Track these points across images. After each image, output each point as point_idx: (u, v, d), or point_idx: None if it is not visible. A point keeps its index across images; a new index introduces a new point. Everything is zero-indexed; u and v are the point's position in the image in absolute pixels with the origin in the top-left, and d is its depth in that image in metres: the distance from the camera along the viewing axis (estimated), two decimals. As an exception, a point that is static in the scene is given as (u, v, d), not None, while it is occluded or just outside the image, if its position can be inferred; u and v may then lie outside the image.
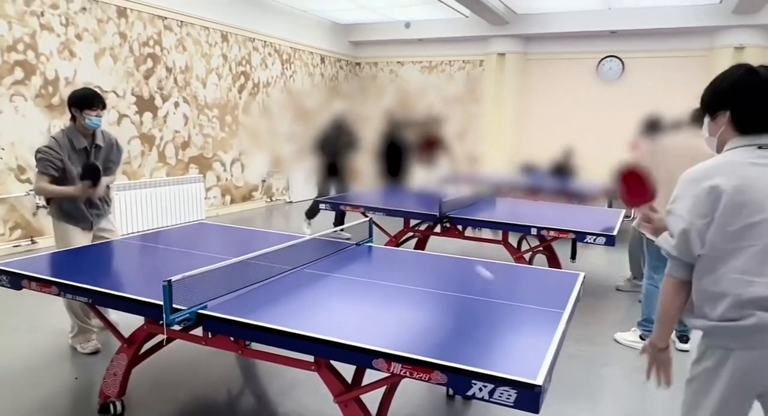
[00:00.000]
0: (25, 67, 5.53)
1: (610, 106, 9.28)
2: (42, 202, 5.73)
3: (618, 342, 3.64)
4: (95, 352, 3.27)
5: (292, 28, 9.37)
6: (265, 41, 8.81)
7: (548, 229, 4.13)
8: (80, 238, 3.28)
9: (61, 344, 3.39)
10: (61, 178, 3.19)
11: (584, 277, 2.62)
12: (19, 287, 2.47)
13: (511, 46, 9.68)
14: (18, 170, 5.54)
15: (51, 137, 3.24)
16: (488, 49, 9.87)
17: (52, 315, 3.81)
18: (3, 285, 2.52)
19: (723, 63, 8.41)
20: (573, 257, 4.93)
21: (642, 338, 3.54)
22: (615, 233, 3.91)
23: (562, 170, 7.62)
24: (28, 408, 2.64)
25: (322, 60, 10.36)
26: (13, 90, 5.45)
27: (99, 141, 3.31)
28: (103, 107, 3.24)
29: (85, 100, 3.16)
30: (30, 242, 5.64)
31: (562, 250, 4.95)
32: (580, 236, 3.99)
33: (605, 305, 4.46)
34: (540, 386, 1.50)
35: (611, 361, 3.40)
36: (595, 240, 3.90)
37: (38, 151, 3.17)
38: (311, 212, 6.69)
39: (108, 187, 3.45)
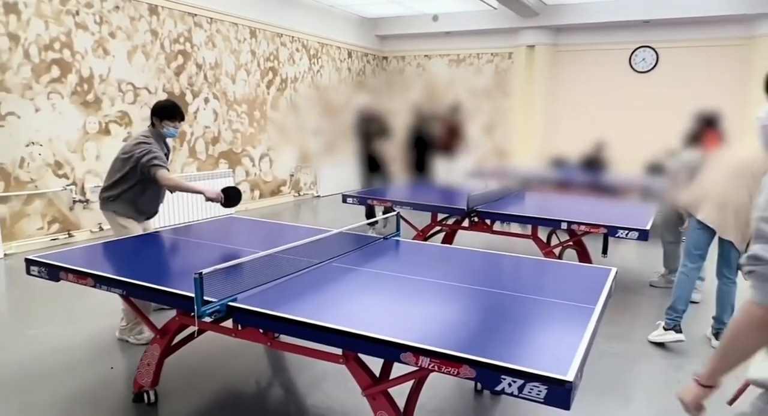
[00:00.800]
0: (61, 65, 5.68)
1: (644, 98, 9.06)
2: (78, 196, 5.90)
3: (652, 341, 3.53)
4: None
5: (320, 23, 9.40)
6: (292, 37, 8.86)
7: (579, 223, 4.06)
8: (136, 229, 3.43)
9: (98, 334, 3.49)
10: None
11: (616, 272, 2.57)
12: (57, 279, 2.55)
13: (540, 37, 9.52)
14: (55, 165, 5.71)
15: (147, 138, 3.34)
16: (517, 42, 9.73)
17: (89, 306, 3.92)
18: (42, 277, 2.60)
19: (763, 53, 8.12)
20: (604, 252, 4.84)
21: (665, 328, 3.46)
22: (648, 227, 3.82)
23: (593, 163, 7.48)
24: (67, 396, 2.73)
25: (349, 54, 10.37)
26: (50, 88, 5.60)
27: (170, 146, 3.56)
28: (183, 119, 3.44)
29: (167, 112, 3.38)
30: (67, 236, 5.81)
31: (593, 245, 4.86)
32: (611, 231, 3.91)
33: (638, 302, 4.37)
34: (571, 382, 1.47)
35: (644, 358, 3.33)
36: (627, 235, 3.82)
37: (145, 145, 3.27)
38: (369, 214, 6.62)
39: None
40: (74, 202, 5.87)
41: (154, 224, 3.81)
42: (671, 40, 8.89)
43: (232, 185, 3.44)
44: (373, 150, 6.48)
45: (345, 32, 10.10)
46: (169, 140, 3.57)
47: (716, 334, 3.46)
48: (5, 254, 5.23)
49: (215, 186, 7.25)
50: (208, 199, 3.44)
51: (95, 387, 2.84)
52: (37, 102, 5.50)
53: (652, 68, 9.09)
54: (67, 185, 5.82)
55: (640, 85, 9.14)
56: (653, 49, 9.06)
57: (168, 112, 3.38)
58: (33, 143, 5.50)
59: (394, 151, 6.71)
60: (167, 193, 3.60)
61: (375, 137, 6.46)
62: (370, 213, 6.49)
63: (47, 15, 5.51)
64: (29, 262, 2.63)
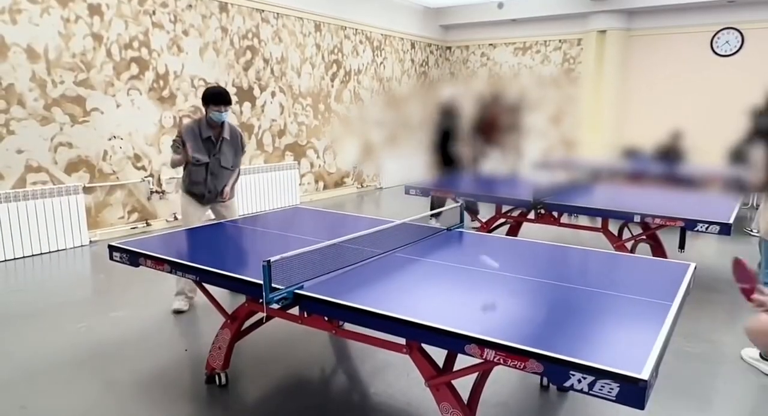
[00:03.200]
0: (140, 63, 5.99)
1: (727, 83, 8.46)
2: (155, 188, 6.22)
3: (744, 360, 3.14)
4: (178, 311, 3.77)
5: (383, 15, 9.40)
6: (356, 29, 8.91)
7: (653, 216, 3.86)
8: (192, 209, 3.79)
9: (173, 318, 3.67)
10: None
11: (695, 268, 2.42)
12: (137, 265, 2.70)
13: (612, 22, 9.09)
14: (134, 158, 6.04)
15: (187, 124, 3.82)
16: (587, 27, 9.34)
17: (164, 291, 4.13)
18: (123, 262, 2.76)
19: None
20: (681, 246, 4.58)
21: (762, 357, 3.05)
22: (731, 220, 3.58)
23: (670, 153, 7.08)
24: (144, 376, 2.89)
25: (413, 45, 10.32)
26: (130, 85, 5.92)
27: (225, 134, 3.75)
28: (227, 104, 3.65)
29: (212, 98, 3.63)
30: (145, 225, 6.15)
31: (669, 239, 4.62)
32: (689, 224, 3.70)
33: (719, 300, 4.11)
34: (646, 381, 1.40)
35: (725, 360, 3.13)
36: (707, 229, 3.60)
37: (180, 128, 3.80)
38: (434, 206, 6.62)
39: (232, 185, 3.95)
40: (151, 193, 6.20)
41: (239, 211, 4.15)
42: (758, 20, 8.24)
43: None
44: (449, 143, 6.40)
45: (408, 23, 10.06)
46: (231, 128, 3.80)
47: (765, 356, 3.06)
48: (91, 242, 5.60)
49: (280, 178, 7.43)
50: (183, 161, 3.73)
51: (171, 367, 2.99)
52: (118, 98, 5.83)
53: (737, 51, 8.47)
54: (145, 177, 6.14)
55: (722, 70, 8.55)
56: (738, 30, 8.43)
57: (213, 98, 3.62)
58: (114, 136, 5.84)
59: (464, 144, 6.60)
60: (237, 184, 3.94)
61: (455, 131, 6.35)
62: (433, 206, 6.45)
63: (127, 15, 5.81)
64: (112, 248, 2.81)
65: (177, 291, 3.78)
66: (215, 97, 3.62)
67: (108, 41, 5.68)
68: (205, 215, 3.89)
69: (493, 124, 6.85)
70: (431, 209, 6.42)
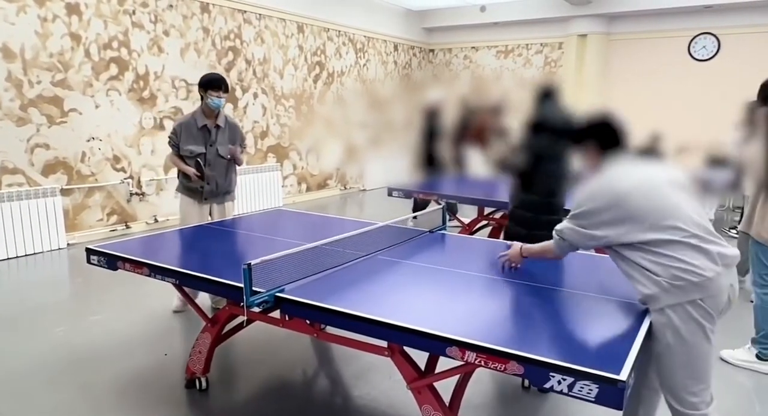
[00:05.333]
0: (119, 63, 5.91)
1: (704, 88, 8.63)
2: (135, 189, 6.14)
3: (726, 361, 3.13)
4: (179, 311, 3.77)
5: (366, 17, 9.40)
6: (339, 31, 8.91)
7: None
8: (192, 209, 3.78)
9: (153, 321, 3.62)
10: (179, 153, 3.73)
11: (673, 269, 2.46)
12: (115, 268, 2.65)
13: (593, 26, 9.21)
14: (114, 159, 5.95)
15: (183, 116, 3.84)
16: (568, 31, 9.45)
17: (145, 294, 4.07)
18: (101, 266, 2.71)
19: (837, 36, 7.58)
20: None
21: (760, 357, 3.04)
22: (710, 220, 3.63)
23: (649, 155, 7.19)
24: (124, 380, 2.85)
25: (396, 48, 10.34)
26: (109, 85, 5.84)
27: (221, 123, 3.74)
28: (226, 90, 3.66)
29: (210, 83, 3.63)
30: (125, 227, 6.06)
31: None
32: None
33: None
34: (624, 381, 1.42)
35: (702, 359, 3.18)
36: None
37: (173, 127, 3.75)
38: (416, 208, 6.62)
39: (234, 174, 3.94)
40: (131, 195, 6.12)
41: (235, 210, 4.11)
42: (734, 26, 8.42)
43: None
44: (433, 145, 6.41)
45: (391, 25, 10.08)
46: (226, 117, 3.79)
47: (759, 356, 3.08)
48: (68, 244, 5.50)
49: (263, 180, 7.38)
50: (197, 176, 3.71)
51: (150, 371, 2.95)
52: (97, 99, 5.74)
53: (713, 56, 8.64)
54: (125, 179, 6.06)
55: (699, 74, 8.72)
56: (715, 35, 8.61)
57: (211, 83, 3.62)
58: (93, 138, 5.75)
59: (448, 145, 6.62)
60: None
61: (440, 133, 6.36)
62: (416, 208, 6.46)
63: (106, 15, 5.73)
64: (89, 251, 2.76)
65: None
66: (213, 82, 3.61)
67: (86, 41, 5.59)
68: (206, 218, 3.81)
69: (476, 127, 6.88)
70: (414, 210, 6.44)
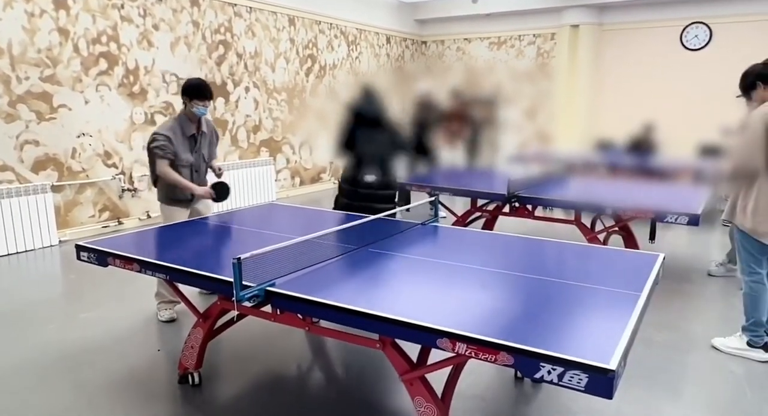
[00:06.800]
0: (109, 58, 5.85)
1: (695, 77, 8.65)
2: (127, 185, 6.10)
3: (718, 349, 3.14)
4: (171, 320, 3.55)
5: (358, 9, 9.35)
6: (331, 23, 8.85)
7: (624, 208, 3.92)
8: (179, 215, 3.59)
9: (145, 318, 3.61)
10: (172, 163, 3.48)
11: (664, 258, 2.47)
12: (105, 265, 2.64)
13: (585, 17, 9.20)
14: (105, 155, 5.91)
15: (165, 125, 3.52)
16: (560, 22, 9.43)
17: (137, 290, 4.06)
18: (91, 262, 2.70)
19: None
20: (652, 237, 4.67)
21: (751, 344, 3.05)
22: (699, 211, 3.65)
23: (641, 146, 7.20)
24: (115, 377, 2.84)
25: (388, 40, 10.29)
26: (99, 80, 5.79)
27: (204, 128, 3.62)
28: (210, 97, 3.50)
29: (195, 91, 3.44)
30: (117, 223, 6.03)
31: (641, 231, 4.70)
32: (659, 216, 3.76)
33: (689, 290, 4.20)
34: (613, 370, 1.42)
35: (694, 348, 3.20)
36: (676, 220, 3.66)
37: (153, 135, 3.45)
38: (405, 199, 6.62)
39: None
40: (123, 191, 6.08)
41: (212, 208, 4.00)
42: (726, 15, 8.42)
43: (221, 181, 3.62)
44: (424, 137, 6.40)
45: (383, 17, 10.02)
46: (206, 121, 3.65)
47: (751, 343, 3.09)
48: (60, 241, 5.47)
49: (255, 175, 7.36)
50: (199, 196, 3.57)
51: (143, 368, 2.94)
52: (86, 94, 5.69)
53: (705, 46, 8.65)
54: (116, 175, 6.02)
55: (691, 63, 8.73)
56: (706, 25, 8.61)
57: (196, 91, 3.44)
58: (84, 134, 5.71)
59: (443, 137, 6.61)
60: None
61: (431, 125, 6.35)
62: (405, 199, 6.47)
63: (94, 9, 5.67)
64: (79, 248, 2.74)
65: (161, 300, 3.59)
66: (198, 89, 3.44)
67: (75, 36, 5.54)
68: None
69: (464, 118, 6.88)
70: (399, 200, 6.43)
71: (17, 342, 3.27)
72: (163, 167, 3.43)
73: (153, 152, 3.42)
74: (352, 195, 3.71)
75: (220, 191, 3.56)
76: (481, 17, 10.19)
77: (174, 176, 3.45)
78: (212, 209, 3.92)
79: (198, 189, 3.51)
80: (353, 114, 3.72)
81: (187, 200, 3.62)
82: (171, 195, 3.57)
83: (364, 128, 3.66)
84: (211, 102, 3.58)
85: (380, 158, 3.73)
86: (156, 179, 3.56)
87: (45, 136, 5.39)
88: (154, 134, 3.45)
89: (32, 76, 5.25)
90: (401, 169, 4.06)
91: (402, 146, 3.91)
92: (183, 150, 3.50)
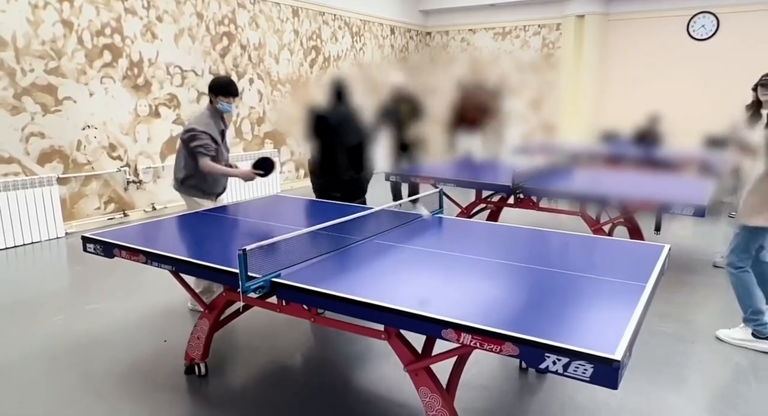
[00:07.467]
0: (113, 50, 5.85)
1: (702, 67, 8.58)
2: (132, 177, 6.12)
3: (722, 340, 3.14)
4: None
5: (362, 0, 9.30)
6: (335, 14, 8.81)
7: (629, 199, 3.90)
8: (207, 206, 3.61)
9: (152, 309, 3.64)
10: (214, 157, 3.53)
11: (669, 250, 2.46)
12: (111, 256, 2.65)
13: (590, 6, 9.12)
14: (110, 147, 5.93)
15: (201, 120, 3.51)
16: (566, 12, 9.36)
17: (143, 282, 4.08)
18: (97, 254, 2.71)
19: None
20: (657, 229, 4.65)
21: (756, 335, 3.04)
22: (706, 203, 3.63)
23: (647, 137, 7.16)
24: (124, 367, 2.86)
25: (392, 31, 10.24)
26: (103, 73, 5.79)
27: (227, 123, 3.69)
28: (236, 95, 3.55)
29: (222, 89, 3.51)
30: (122, 215, 6.06)
31: (646, 222, 4.68)
32: (665, 207, 3.75)
33: (694, 281, 4.19)
34: (618, 361, 1.42)
35: (699, 338, 3.20)
36: (682, 211, 3.64)
37: (193, 132, 3.42)
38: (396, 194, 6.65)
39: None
40: (128, 183, 6.10)
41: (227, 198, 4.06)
42: (733, 4, 8.33)
43: (264, 156, 3.67)
44: (403, 130, 6.40)
45: (388, 8, 9.97)
46: (226, 115, 3.70)
47: (756, 334, 3.09)
48: (66, 233, 5.50)
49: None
50: (247, 180, 3.62)
51: (149, 358, 2.96)
52: (91, 87, 5.70)
53: (712, 35, 8.57)
54: (121, 167, 6.04)
55: (698, 53, 8.65)
56: (714, 14, 8.53)
57: (224, 89, 3.51)
58: (89, 126, 5.72)
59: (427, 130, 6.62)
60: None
61: (407, 118, 6.35)
62: (396, 191, 6.51)
63: (98, 1, 5.66)
64: (86, 240, 2.75)
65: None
66: (226, 87, 3.50)
67: (79, 28, 5.53)
68: None
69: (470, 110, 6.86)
70: (410, 194, 6.44)
71: (25, 333, 3.30)
72: (208, 162, 3.46)
73: (196, 150, 3.41)
74: (326, 185, 3.91)
75: (265, 166, 3.60)
76: (485, 7, 10.12)
77: (221, 168, 3.54)
78: (232, 198, 3.97)
79: (243, 173, 3.59)
80: (318, 114, 3.90)
81: (217, 193, 3.71)
82: (205, 188, 3.60)
83: (330, 120, 3.84)
84: (237, 99, 3.65)
85: (349, 149, 3.86)
86: (190, 175, 3.53)
87: (50, 128, 5.41)
88: (194, 130, 3.41)
89: (37, 68, 5.25)
90: (376, 160, 4.15)
91: (365, 137, 3.99)
92: (225, 147, 3.62)
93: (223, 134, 3.63)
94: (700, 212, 3.59)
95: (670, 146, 7.22)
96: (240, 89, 7.30)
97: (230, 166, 3.75)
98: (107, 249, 2.66)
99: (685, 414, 2.44)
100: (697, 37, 8.69)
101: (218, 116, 3.58)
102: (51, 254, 5.03)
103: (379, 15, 9.77)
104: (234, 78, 7.22)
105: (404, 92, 6.42)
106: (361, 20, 9.39)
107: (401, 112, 6.28)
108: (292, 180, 8.39)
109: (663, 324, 3.36)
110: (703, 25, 8.61)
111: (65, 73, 5.47)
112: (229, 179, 3.75)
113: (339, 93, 3.92)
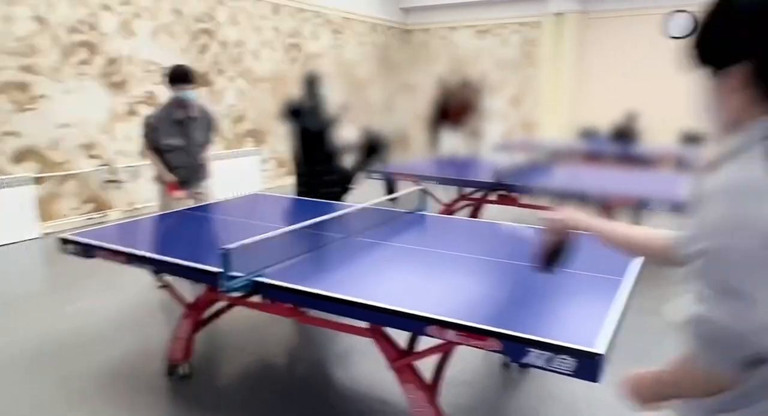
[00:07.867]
0: (89, 47, 5.74)
1: (679, 66, 8.71)
2: (110, 177, 6.03)
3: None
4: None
5: (342, -3, 9.27)
6: (315, 12, 8.76)
7: (608, 195, 3.96)
8: (173, 199, 3.75)
9: (132, 309, 3.59)
10: (154, 145, 3.71)
11: (648, 244, 2.50)
12: (90, 257, 2.61)
13: (569, 4, 9.21)
14: (87, 146, 5.82)
15: (155, 111, 3.77)
16: (545, 10, 9.44)
17: (122, 282, 4.03)
18: (76, 254, 2.66)
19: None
20: (636, 224, 4.72)
21: None
22: (682, 198, 3.69)
23: (625, 134, 7.28)
24: (104, 369, 2.82)
25: (373, 29, 10.22)
26: (79, 70, 5.68)
27: (194, 114, 3.72)
28: (190, 81, 3.63)
29: (177, 77, 3.61)
30: (101, 215, 5.96)
31: (626, 218, 4.75)
32: (643, 203, 3.81)
33: (673, 275, 4.26)
34: (600, 354, 1.45)
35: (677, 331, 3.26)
36: (660, 207, 3.71)
37: (144, 120, 3.73)
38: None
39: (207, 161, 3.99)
40: (106, 182, 6.00)
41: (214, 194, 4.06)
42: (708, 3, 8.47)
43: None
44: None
45: (368, 6, 9.94)
46: (199, 107, 3.77)
47: None
48: (44, 234, 5.40)
49: (242, 164, 7.27)
50: (158, 182, 3.78)
51: (130, 360, 2.93)
52: (67, 84, 5.59)
53: (689, 33, 8.70)
54: (99, 166, 5.94)
55: (675, 52, 8.78)
56: (690, 12, 8.67)
57: (175, 77, 3.61)
58: (64, 124, 5.61)
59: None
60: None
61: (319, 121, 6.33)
62: (391, 190, 6.48)
63: (73, -3, 5.55)
64: (63, 240, 2.70)
65: None
66: (179, 76, 3.60)
67: (54, 24, 5.42)
68: (185, 205, 3.75)
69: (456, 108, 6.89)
70: (388, 192, 6.43)
71: (3, 335, 3.23)
72: (144, 149, 3.72)
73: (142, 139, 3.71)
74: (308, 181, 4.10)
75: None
76: (465, 5, 10.15)
77: (152, 158, 3.72)
78: (212, 196, 3.97)
79: (166, 175, 3.69)
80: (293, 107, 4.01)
81: (183, 182, 3.78)
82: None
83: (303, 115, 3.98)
84: (194, 87, 3.68)
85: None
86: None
87: (25, 127, 5.29)
88: (146, 118, 3.69)
89: (10, 65, 5.13)
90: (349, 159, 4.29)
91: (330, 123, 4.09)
92: (167, 134, 3.63)
93: (182, 122, 3.68)
94: (677, 208, 3.65)
95: (648, 142, 7.33)
96: (220, 87, 7.24)
97: (202, 156, 3.85)
98: (86, 250, 2.61)
99: (663, 407, 2.48)
100: (673, 35, 8.82)
101: (175, 104, 3.65)
102: (27, 255, 4.93)
103: (360, 13, 9.74)
104: (214, 76, 7.14)
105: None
106: (341, 18, 9.35)
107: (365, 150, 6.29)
108: (274, 178, 8.33)
109: (644, 318, 3.41)
110: (679, 24, 8.74)
111: (40, 70, 5.36)
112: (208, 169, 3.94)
113: (311, 84, 4.03)
